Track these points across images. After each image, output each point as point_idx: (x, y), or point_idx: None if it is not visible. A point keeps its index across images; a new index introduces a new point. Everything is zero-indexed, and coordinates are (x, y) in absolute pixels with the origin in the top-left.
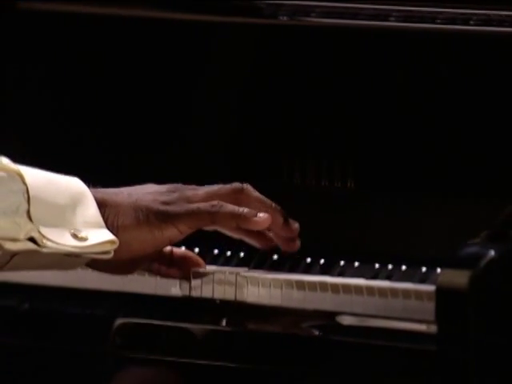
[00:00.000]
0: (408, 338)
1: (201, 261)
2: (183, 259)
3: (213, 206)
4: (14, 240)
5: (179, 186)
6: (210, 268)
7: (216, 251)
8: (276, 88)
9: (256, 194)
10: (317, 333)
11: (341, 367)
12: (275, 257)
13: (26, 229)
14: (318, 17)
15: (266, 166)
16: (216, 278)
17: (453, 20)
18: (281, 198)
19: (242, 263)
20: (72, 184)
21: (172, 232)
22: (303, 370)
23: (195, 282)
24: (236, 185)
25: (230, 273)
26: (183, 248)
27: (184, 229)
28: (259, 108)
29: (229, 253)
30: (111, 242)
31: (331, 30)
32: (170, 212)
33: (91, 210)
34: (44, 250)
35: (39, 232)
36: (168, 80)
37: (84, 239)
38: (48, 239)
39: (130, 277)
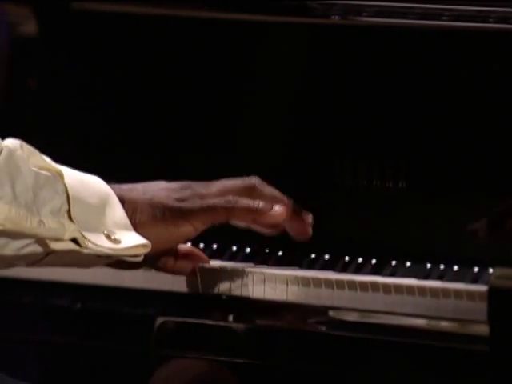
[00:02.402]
0: (460, 339)
1: (205, 257)
2: (188, 255)
3: (228, 201)
4: (59, 240)
5: (190, 183)
6: (262, 269)
7: (248, 249)
8: (327, 88)
9: (268, 187)
10: (368, 333)
11: (392, 368)
12: (326, 257)
13: (70, 229)
14: (369, 16)
15: (317, 166)
16: (264, 278)
17: (504, 19)
18: (332, 198)
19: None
20: (97, 183)
21: (187, 229)
22: (352, 370)
23: (239, 282)
24: (248, 179)
25: (278, 274)
26: (189, 244)
27: (199, 225)
28: (311, 108)
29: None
30: (144, 245)
31: (383, 30)
32: (186, 208)
33: (118, 210)
34: (85, 251)
35: (81, 233)
36: (220, 80)
37: (117, 241)
38: (89, 241)
39: (177, 277)
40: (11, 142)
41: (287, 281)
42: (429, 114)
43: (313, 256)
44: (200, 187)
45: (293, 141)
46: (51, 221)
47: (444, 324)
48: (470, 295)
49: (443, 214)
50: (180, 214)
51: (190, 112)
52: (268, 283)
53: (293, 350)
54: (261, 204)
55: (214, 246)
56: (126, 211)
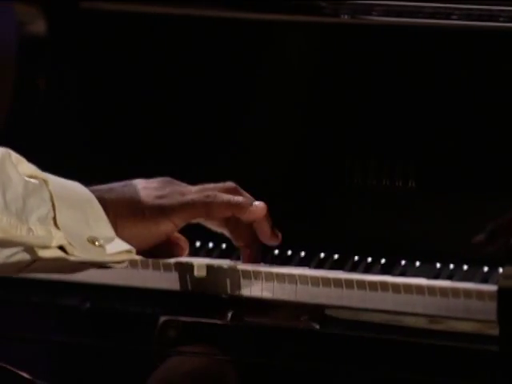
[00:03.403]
0: (469, 339)
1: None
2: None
3: (207, 196)
4: (46, 247)
5: (170, 179)
6: (271, 268)
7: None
8: (338, 87)
9: (246, 193)
10: (377, 333)
11: (401, 367)
12: (336, 256)
13: (57, 237)
14: (379, 15)
15: (328, 166)
16: (273, 278)
17: None
18: (342, 198)
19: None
20: (78, 188)
21: (167, 226)
22: (361, 370)
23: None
24: (229, 183)
25: (287, 274)
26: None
27: (179, 221)
28: (320, 108)
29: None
30: (128, 251)
31: (392, 29)
32: (165, 205)
33: (100, 215)
34: (72, 258)
35: (67, 240)
36: (229, 79)
37: (101, 247)
38: (75, 248)
39: (182, 276)
40: (0, 151)
41: (296, 280)
42: (439, 112)
43: (322, 255)
44: (180, 185)
45: (303, 141)
46: (39, 228)
47: (453, 324)
48: (480, 295)
49: (453, 214)
50: (160, 212)
51: (201, 113)
52: (277, 283)
53: (298, 350)
54: (241, 198)
55: (223, 246)
56: (108, 215)
